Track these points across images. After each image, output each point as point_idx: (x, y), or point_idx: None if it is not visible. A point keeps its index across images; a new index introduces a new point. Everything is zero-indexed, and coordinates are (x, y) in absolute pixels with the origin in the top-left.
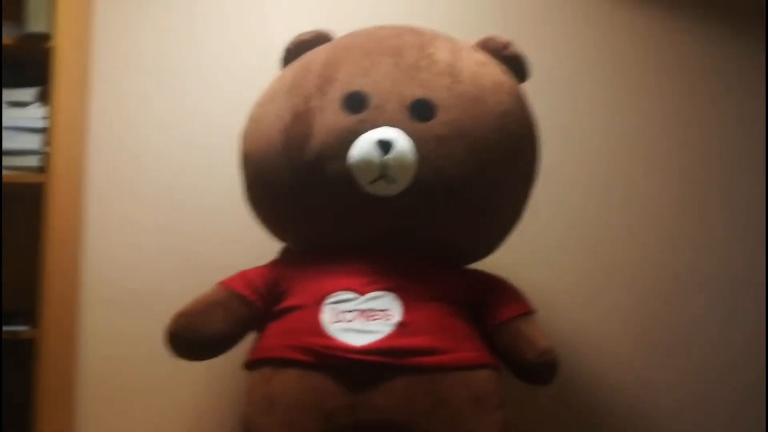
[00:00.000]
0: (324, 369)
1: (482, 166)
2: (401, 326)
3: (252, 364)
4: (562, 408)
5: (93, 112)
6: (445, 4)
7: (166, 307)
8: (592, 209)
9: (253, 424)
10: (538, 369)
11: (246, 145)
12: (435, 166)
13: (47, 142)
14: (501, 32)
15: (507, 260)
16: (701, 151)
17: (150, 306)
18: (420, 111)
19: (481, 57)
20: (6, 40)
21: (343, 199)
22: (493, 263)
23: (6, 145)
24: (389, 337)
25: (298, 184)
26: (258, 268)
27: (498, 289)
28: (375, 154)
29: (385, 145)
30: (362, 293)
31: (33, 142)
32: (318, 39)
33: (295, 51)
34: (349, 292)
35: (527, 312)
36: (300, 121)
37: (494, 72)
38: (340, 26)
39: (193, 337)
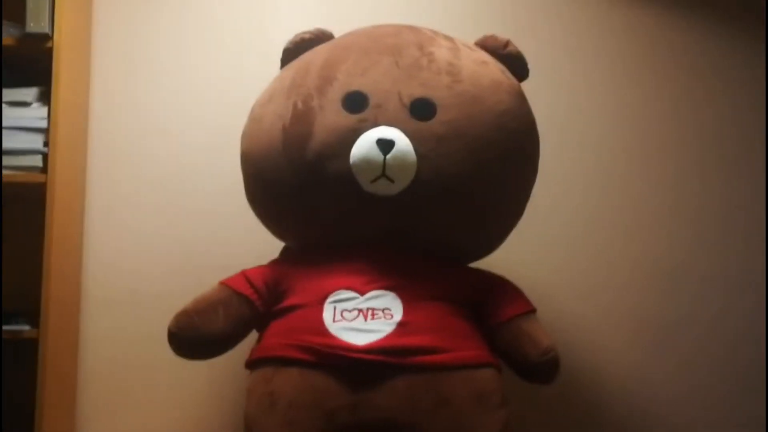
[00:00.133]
0: (325, 368)
1: (482, 164)
2: (402, 325)
3: (253, 364)
4: (561, 403)
5: (94, 112)
6: (445, 2)
7: (168, 307)
8: (590, 207)
9: (255, 423)
10: (540, 368)
11: (246, 144)
12: (435, 165)
13: (48, 142)
14: (500, 31)
15: (505, 258)
16: (699, 149)
17: (151, 306)
18: (420, 110)
19: (481, 56)
20: (7, 40)
21: (343, 198)
22: (492, 261)
23: (7, 145)
24: (390, 336)
25: (299, 183)
26: (259, 267)
27: (499, 289)
28: (375, 153)
29: (385, 145)
30: (363, 292)
31: (34, 141)
32: (317, 38)
33: (294, 50)
34: (349, 291)
35: (528, 311)
36: (300, 120)
37: (494, 71)
38: (339, 26)
39: (194, 336)
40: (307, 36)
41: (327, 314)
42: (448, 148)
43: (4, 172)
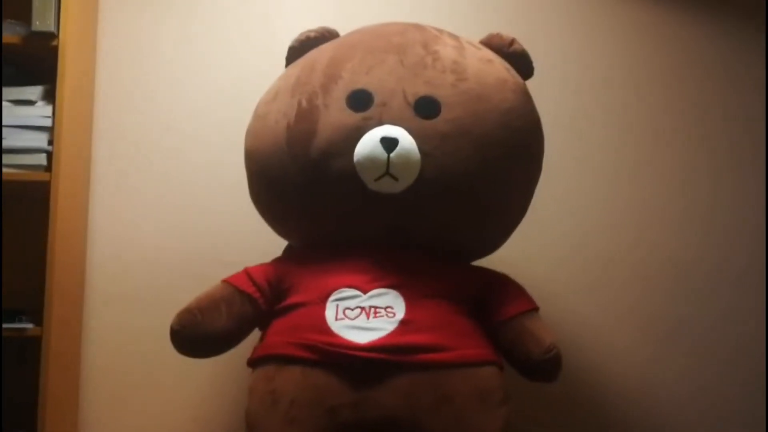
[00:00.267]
0: (327, 366)
1: (486, 163)
2: (404, 323)
3: (256, 361)
4: (564, 401)
5: (98, 110)
6: (451, 1)
7: (171, 305)
8: (595, 205)
9: (256, 421)
10: (543, 366)
11: (250, 142)
12: (439, 163)
13: (53, 141)
14: (505, 29)
15: (509, 256)
16: (706, 148)
17: (154, 303)
18: (424, 108)
19: (486, 54)
20: (12, 39)
21: (347, 196)
22: (495, 259)
23: (12, 143)
24: (392, 334)
25: (303, 181)
26: (262, 265)
27: (501, 287)
28: (379, 151)
29: (389, 143)
30: (366, 290)
31: (39, 140)
32: (323, 37)
33: (299, 49)
34: (352, 289)
35: (531, 309)
36: (305, 118)
37: (499, 69)
38: (345, 24)
39: (196, 333)
40: (312, 34)
41: (329, 312)
42: (452, 147)
43: (9, 170)
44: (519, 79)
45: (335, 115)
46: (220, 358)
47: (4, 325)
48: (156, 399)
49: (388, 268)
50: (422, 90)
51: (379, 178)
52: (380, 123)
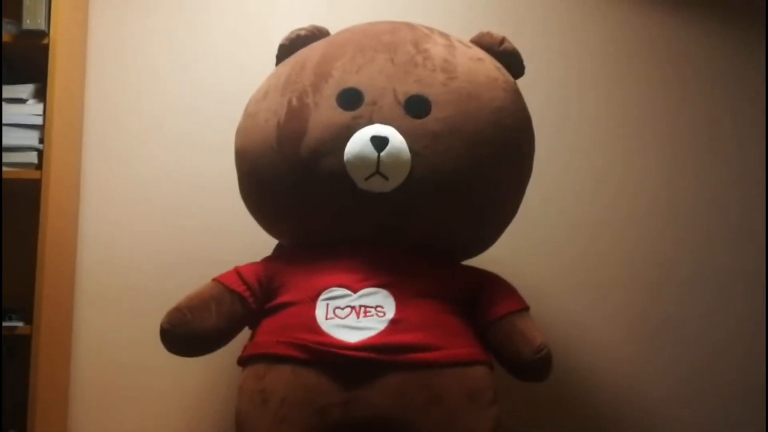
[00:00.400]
0: (317, 365)
1: (477, 161)
2: (394, 323)
3: (245, 360)
4: (554, 400)
5: (89, 109)
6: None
7: (161, 304)
8: (583, 204)
9: (246, 420)
10: (533, 365)
11: (241, 141)
12: (430, 162)
13: (43, 139)
14: (496, 28)
15: (499, 255)
16: (692, 146)
17: (145, 302)
18: (415, 107)
19: (477, 53)
20: (3, 37)
21: (337, 195)
22: (485, 258)
23: (2, 142)
24: (382, 333)
25: (293, 180)
26: (252, 264)
27: (492, 286)
28: (369, 150)
29: (379, 142)
30: (356, 290)
31: (29, 138)
32: (313, 35)
33: (290, 47)
34: (342, 288)
35: (521, 308)
36: (295, 117)
37: (489, 68)
38: (335, 23)
39: (186, 332)
40: (302, 33)
41: (319, 311)
42: (443, 145)
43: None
44: (510, 77)
45: (325, 113)
46: (210, 357)
47: None
48: (146, 398)
49: (378, 267)
50: (413, 89)
51: (370, 177)
52: (370, 122)
